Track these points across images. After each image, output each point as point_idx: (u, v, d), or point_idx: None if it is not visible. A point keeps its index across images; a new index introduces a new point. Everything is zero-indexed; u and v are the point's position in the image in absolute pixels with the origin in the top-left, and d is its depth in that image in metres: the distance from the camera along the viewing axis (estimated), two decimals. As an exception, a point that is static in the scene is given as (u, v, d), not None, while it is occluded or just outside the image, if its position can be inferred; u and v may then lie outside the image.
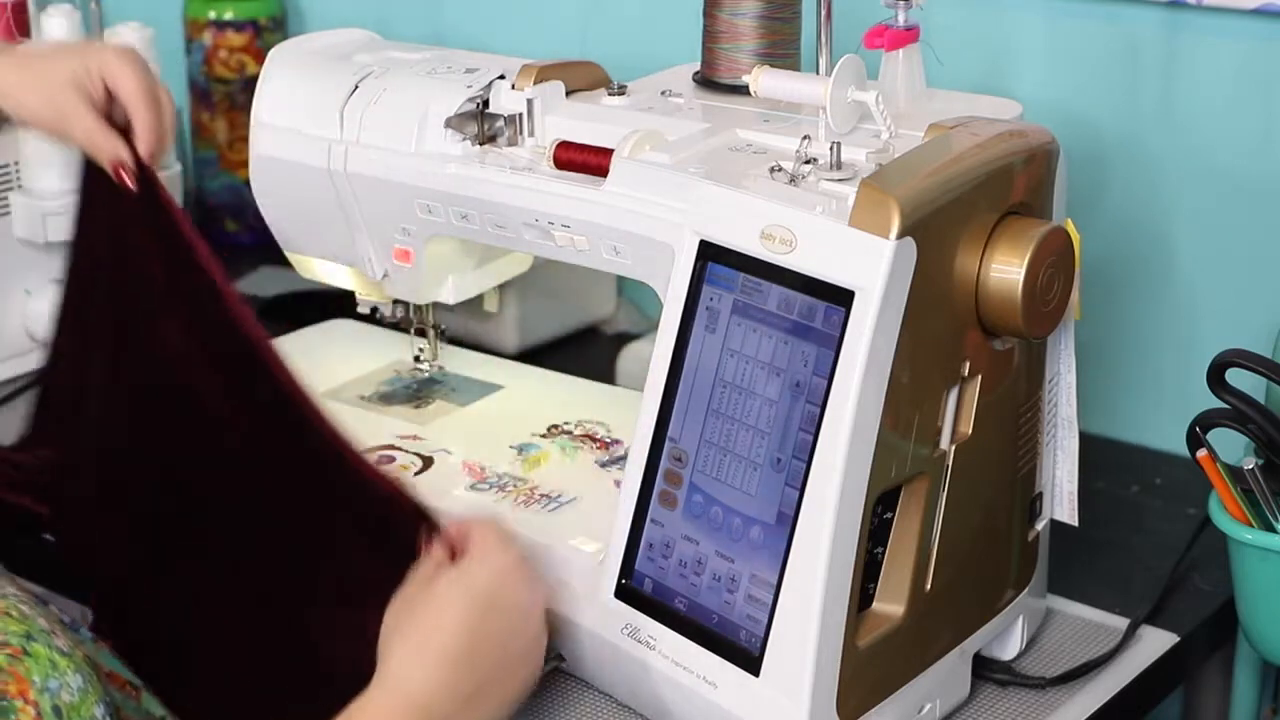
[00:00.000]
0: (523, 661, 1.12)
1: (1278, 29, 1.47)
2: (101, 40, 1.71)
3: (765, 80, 1.19)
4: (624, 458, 1.28)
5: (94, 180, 1.30)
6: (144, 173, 1.26)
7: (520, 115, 1.31)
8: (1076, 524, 1.25)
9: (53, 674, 1.09)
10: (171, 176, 1.78)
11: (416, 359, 1.48)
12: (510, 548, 1.12)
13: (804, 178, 1.14)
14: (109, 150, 1.26)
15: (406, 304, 1.44)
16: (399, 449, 1.36)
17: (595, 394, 1.47)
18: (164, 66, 1.80)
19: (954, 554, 1.16)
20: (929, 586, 1.15)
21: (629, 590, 1.18)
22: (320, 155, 1.36)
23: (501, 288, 1.48)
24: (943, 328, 1.11)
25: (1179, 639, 1.32)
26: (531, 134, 1.31)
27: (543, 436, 1.38)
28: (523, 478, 1.32)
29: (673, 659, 1.15)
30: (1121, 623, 1.32)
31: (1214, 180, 1.53)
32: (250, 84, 1.70)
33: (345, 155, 1.35)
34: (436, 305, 1.44)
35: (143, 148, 1.26)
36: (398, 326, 1.48)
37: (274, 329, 1.30)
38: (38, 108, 1.28)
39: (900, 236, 1.05)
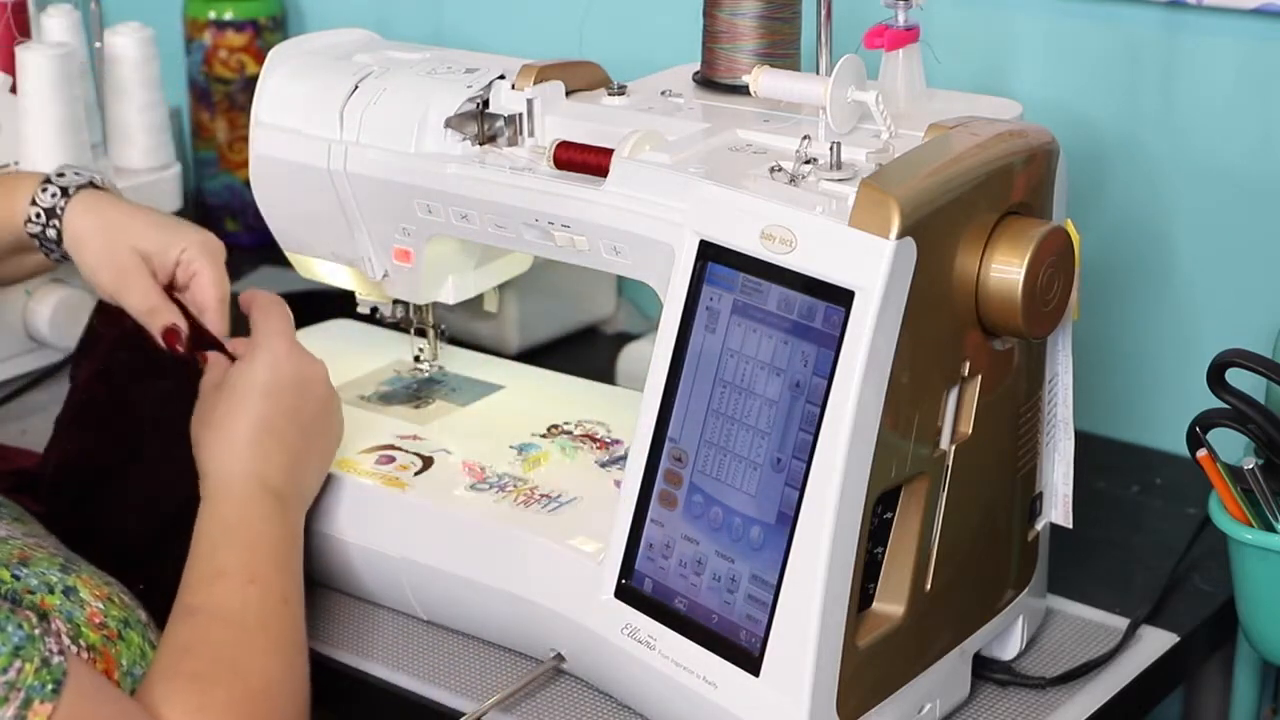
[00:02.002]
0: (321, 425, 1.29)
1: (1278, 29, 1.47)
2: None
3: (765, 80, 1.19)
4: (624, 458, 1.28)
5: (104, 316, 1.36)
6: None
7: (520, 115, 1.31)
8: (1071, 526, 1.25)
9: (140, 662, 1.13)
10: (171, 177, 1.78)
11: (416, 359, 1.48)
12: (280, 337, 1.28)
13: (804, 178, 1.14)
14: (165, 320, 1.31)
15: (406, 304, 1.44)
16: (399, 449, 1.36)
17: (595, 394, 1.46)
18: (164, 66, 1.80)
19: (954, 554, 1.16)
20: (929, 586, 1.15)
21: (629, 590, 1.18)
22: (320, 155, 1.36)
23: (501, 288, 1.48)
24: (943, 328, 1.11)
25: (1179, 639, 1.32)
26: (531, 134, 1.31)
27: (543, 436, 1.38)
28: (523, 478, 1.32)
29: (673, 659, 1.15)
30: (1121, 623, 1.32)
31: (1214, 180, 1.52)
32: (250, 84, 1.71)
33: (345, 155, 1.35)
34: (436, 305, 1.44)
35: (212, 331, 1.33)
36: (398, 326, 1.48)
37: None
38: (97, 263, 1.34)
39: (900, 236, 1.05)
